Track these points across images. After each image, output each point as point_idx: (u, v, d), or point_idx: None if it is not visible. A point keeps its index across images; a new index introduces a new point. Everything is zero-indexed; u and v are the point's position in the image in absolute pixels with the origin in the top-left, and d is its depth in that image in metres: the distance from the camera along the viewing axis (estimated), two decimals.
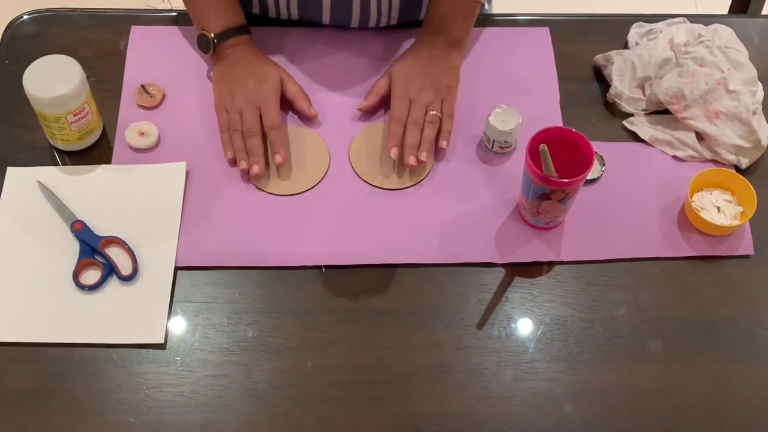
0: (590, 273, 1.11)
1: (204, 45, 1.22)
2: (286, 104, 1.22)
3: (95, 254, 1.10)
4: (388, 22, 1.29)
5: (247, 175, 1.16)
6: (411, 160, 1.16)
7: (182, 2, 1.24)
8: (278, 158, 1.15)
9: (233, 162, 1.17)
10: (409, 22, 1.30)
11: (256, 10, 1.29)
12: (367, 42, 1.29)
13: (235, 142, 1.17)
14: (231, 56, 1.21)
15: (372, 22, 1.27)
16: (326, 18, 1.26)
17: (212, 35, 1.20)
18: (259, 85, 1.19)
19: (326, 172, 1.17)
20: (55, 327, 1.05)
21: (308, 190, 1.16)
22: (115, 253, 1.10)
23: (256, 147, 1.16)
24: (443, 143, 1.18)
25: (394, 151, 1.16)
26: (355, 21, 1.26)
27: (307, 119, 1.21)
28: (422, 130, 1.17)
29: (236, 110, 1.18)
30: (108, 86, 1.23)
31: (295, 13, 1.27)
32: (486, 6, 1.39)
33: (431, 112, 1.18)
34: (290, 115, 1.22)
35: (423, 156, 1.16)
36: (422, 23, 1.26)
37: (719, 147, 1.18)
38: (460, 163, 1.19)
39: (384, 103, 1.22)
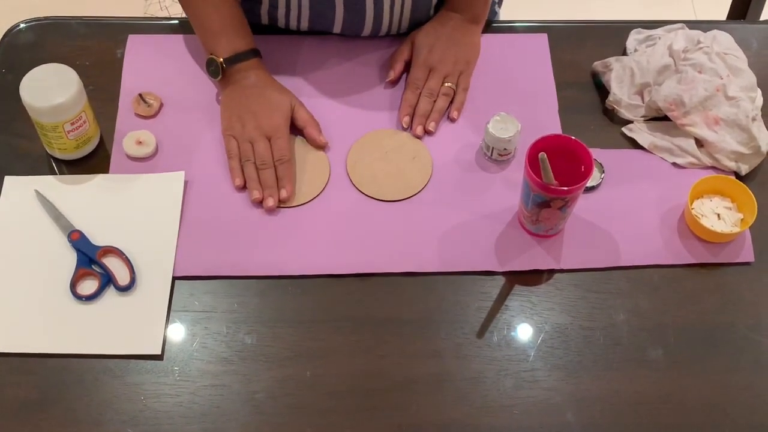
0: (590, 281, 1.10)
1: (213, 70, 1.21)
2: (296, 131, 1.21)
3: (93, 264, 1.09)
4: (398, 30, 1.29)
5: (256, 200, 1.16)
6: (418, 130, 1.19)
7: (189, 24, 1.23)
8: (284, 193, 1.14)
9: (242, 189, 1.16)
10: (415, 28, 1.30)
11: (264, 20, 1.29)
12: (366, 50, 1.28)
13: (248, 171, 1.16)
14: (241, 81, 1.20)
15: (383, 32, 1.27)
16: (337, 28, 1.26)
17: (221, 60, 1.19)
18: (270, 114, 1.18)
19: (326, 184, 1.17)
20: (53, 337, 1.04)
21: (308, 202, 1.15)
22: (112, 263, 1.09)
23: (270, 180, 1.15)
24: (454, 113, 1.22)
25: (405, 120, 1.20)
26: (366, 31, 1.26)
27: (317, 145, 1.20)
28: (435, 101, 1.22)
29: (247, 140, 1.17)
30: (105, 95, 1.23)
31: (305, 25, 1.27)
32: (496, 9, 1.39)
33: (447, 84, 1.22)
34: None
35: (431, 126, 1.20)
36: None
37: (719, 153, 1.17)
38: (460, 171, 1.18)
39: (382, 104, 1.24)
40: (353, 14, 1.22)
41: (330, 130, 1.21)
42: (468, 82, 1.24)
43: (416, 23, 1.29)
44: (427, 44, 1.24)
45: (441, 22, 1.26)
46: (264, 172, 1.15)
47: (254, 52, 1.22)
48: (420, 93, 1.22)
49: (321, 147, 1.19)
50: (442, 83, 1.22)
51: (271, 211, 1.14)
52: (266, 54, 1.26)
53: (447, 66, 1.23)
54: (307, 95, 1.24)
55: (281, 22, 1.28)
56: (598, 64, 1.26)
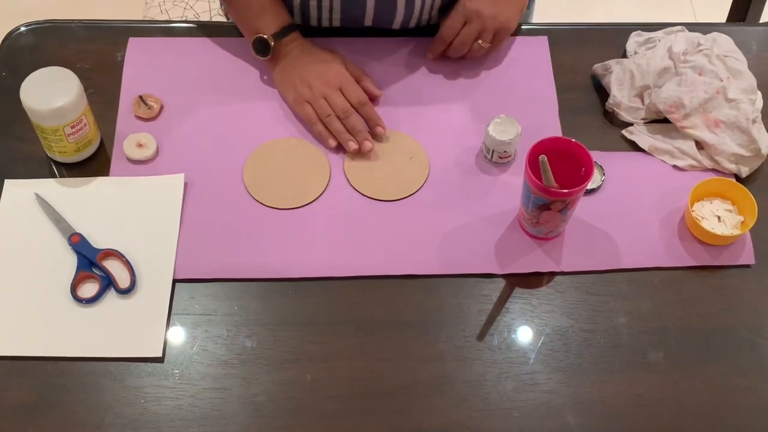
0: (591, 283, 1.10)
1: (262, 48, 1.22)
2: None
3: (93, 267, 1.09)
4: (429, 20, 1.29)
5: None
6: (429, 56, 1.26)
7: (188, 27, 1.24)
8: (380, 130, 1.19)
9: (338, 149, 1.19)
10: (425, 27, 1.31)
11: (297, 19, 1.29)
12: (365, 52, 1.28)
13: (334, 126, 1.18)
14: (291, 52, 1.23)
15: (413, 21, 1.28)
16: (369, 19, 1.27)
17: (268, 36, 1.21)
18: (330, 67, 1.21)
19: (326, 186, 1.17)
20: (53, 340, 1.04)
21: (308, 204, 1.15)
22: (113, 266, 1.09)
23: (358, 124, 1.18)
24: (481, 50, 1.24)
25: (430, 56, 1.26)
26: (398, 21, 1.27)
27: (372, 98, 1.22)
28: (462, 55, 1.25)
29: (320, 97, 1.19)
30: (106, 98, 1.23)
31: (337, 18, 1.28)
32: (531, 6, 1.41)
33: (479, 42, 1.23)
34: (291, 128, 1.22)
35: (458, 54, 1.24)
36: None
37: (719, 156, 1.17)
38: (460, 174, 1.18)
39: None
40: (385, 3, 1.23)
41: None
42: (503, 42, 1.25)
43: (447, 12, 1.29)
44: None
45: None
46: (349, 119, 1.18)
47: (296, 26, 1.24)
48: (450, 43, 1.23)
49: (375, 98, 1.22)
50: (475, 39, 1.22)
51: (370, 152, 1.18)
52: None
53: (484, 20, 1.21)
54: None
55: (313, 20, 1.29)
56: (598, 67, 1.26)
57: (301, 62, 1.22)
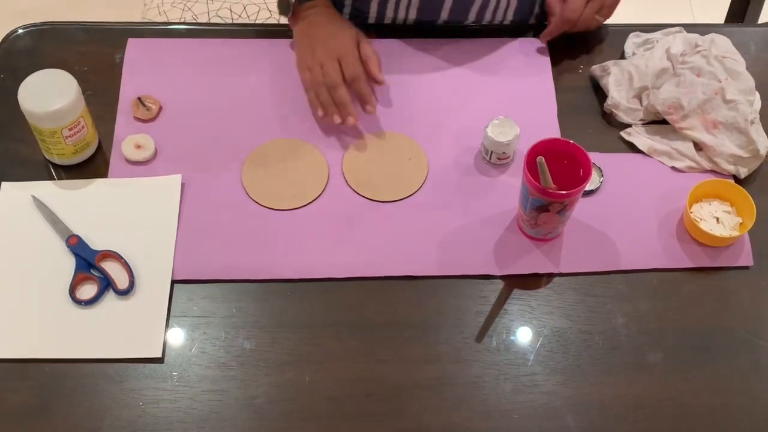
0: (589, 284, 1.10)
1: (284, 7, 1.24)
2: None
3: (91, 269, 1.09)
4: (504, 17, 1.31)
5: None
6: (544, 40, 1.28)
7: (187, 29, 1.26)
8: (369, 108, 1.19)
9: (325, 119, 1.19)
10: (497, 26, 1.33)
11: (372, 19, 1.31)
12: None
13: (322, 97, 1.18)
14: (310, 16, 1.24)
15: (487, 17, 1.29)
16: (445, 14, 1.28)
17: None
18: (335, 35, 1.21)
19: (325, 187, 1.17)
20: (52, 342, 1.04)
21: (306, 205, 1.15)
22: (111, 268, 1.09)
23: (343, 97, 1.17)
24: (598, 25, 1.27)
25: (545, 39, 1.28)
26: (472, 14, 1.28)
27: (373, 82, 1.21)
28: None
29: (317, 64, 1.19)
30: (104, 100, 1.23)
31: (413, 14, 1.29)
32: None
33: (598, 17, 1.26)
34: (289, 129, 1.22)
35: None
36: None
37: (718, 157, 1.17)
38: (458, 175, 1.18)
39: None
40: None
41: (326, 132, 1.21)
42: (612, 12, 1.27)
43: (521, 15, 1.32)
44: None
45: None
46: (336, 91, 1.17)
47: None
48: (573, 24, 1.25)
49: (378, 83, 1.21)
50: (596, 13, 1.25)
51: (353, 127, 1.18)
52: (262, 56, 1.27)
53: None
54: (302, 97, 1.24)
55: (389, 16, 1.30)
56: (596, 68, 1.26)
57: (315, 26, 1.22)
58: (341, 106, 1.18)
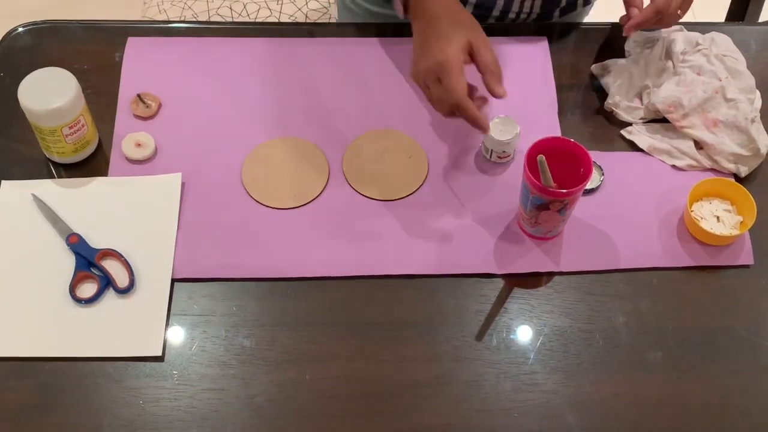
0: (589, 283, 1.10)
1: (397, 5, 1.13)
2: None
3: (91, 267, 1.09)
4: (531, 9, 1.30)
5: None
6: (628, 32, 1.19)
7: (187, 27, 1.24)
8: (484, 129, 1.08)
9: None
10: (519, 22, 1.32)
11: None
12: (363, 52, 1.28)
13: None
14: (424, 13, 1.11)
15: (515, 8, 1.28)
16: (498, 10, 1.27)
17: None
18: (440, 50, 1.06)
19: (325, 186, 1.17)
20: (52, 341, 1.04)
21: (306, 204, 1.15)
22: (111, 266, 1.09)
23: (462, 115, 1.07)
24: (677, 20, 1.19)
25: (628, 32, 1.18)
26: (497, 8, 1.27)
27: (494, 96, 1.09)
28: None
29: (422, 85, 1.10)
30: (104, 98, 1.23)
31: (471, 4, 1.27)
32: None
33: (678, 11, 1.18)
34: (290, 127, 1.22)
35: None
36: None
37: (718, 156, 1.17)
38: (459, 173, 1.18)
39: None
40: None
41: (326, 130, 1.21)
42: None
43: (547, 8, 1.30)
44: None
45: None
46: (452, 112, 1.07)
47: None
48: (663, 14, 1.16)
49: (499, 97, 1.08)
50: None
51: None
52: (264, 54, 1.27)
53: None
54: (302, 95, 1.24)
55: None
56: (596, 67, 1.26)
57: (424, 30, 1.09)
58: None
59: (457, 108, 1.05)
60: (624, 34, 1.21)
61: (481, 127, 1.07)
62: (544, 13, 1.35)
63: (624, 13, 1.20)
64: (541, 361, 1.05)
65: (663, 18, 1.18)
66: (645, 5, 1.18)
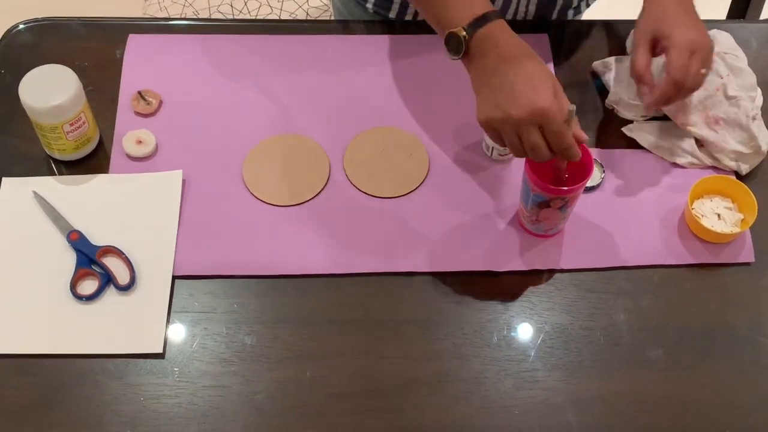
0: (590, 281, 1.10)
1: (454, 48, 1.01)
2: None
3: (92, 264, 1.09)
4: (525, 14, 1.29)
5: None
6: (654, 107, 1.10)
7: (188, 24, 1.24)
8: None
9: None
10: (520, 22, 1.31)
11: (393, 14, 1.28)
12: (363, 49, 1.28)
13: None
14: (490, 51, 0.99)
15: (511, 11, 1.27)
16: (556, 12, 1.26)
17: (462, 28, 0.99)
18: (534, 89, 0.95)
19: (326, 183, 1.17)
20: (53, 338, 1.04)
21: (307, 201, 1.15)
22: (112, 263, 1.09)
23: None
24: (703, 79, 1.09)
25: (655, 106, 1.10)
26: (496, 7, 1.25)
27: (579, 142, 0.99)
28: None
29: (511, 131, 0.96)
30: (105, 95, 1.23)
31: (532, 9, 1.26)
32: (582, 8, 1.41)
33: (702, 71, 1.08)
34: (291, 124, 1.22)
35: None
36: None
37: (719, 153, 1.17)
38: (459, 171, 1.18)
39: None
40: None
41: (327, 128, 1.21)
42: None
43: (543, 11, 1.30)
44: (676, 23, 1.06)
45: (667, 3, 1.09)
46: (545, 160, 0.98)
47: (497, 14, 1.01)
48: (683, 84, 1.06)
49: (583, 143, 1.00)
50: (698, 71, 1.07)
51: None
52: (263, 52, 1.27)
53: (705, 46, 1.05)
54: (303, 92, 1.24)
55: (410, 14, 1.27)
56: (597, 64, 1.26)
57: (502, 69, 0.97)
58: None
59: (567, 150, 0.96)
60: (644, 114, 1.20)
61: (578, 158, 0.98)
62: (540, 16, 1.35)
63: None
64: (542, 358, 1.05)
65: (684, 86, 1.07)
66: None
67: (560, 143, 0.96)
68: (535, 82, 0.95)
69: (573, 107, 0.97)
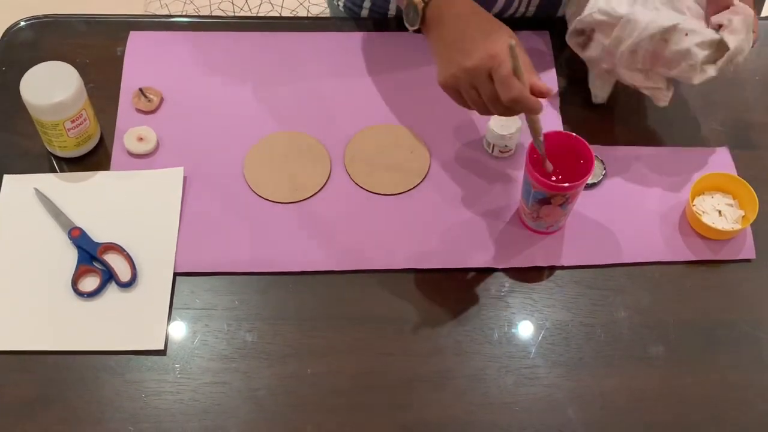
0: (591, 277, 1.10)
1: (412, 17, 1.03)
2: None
3: (94, 261, 1.09)
4: (525, 12, 1.29)
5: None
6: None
7: (189, 22, 1.23)
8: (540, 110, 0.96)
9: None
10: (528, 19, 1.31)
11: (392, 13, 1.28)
12: (363, 46, 1.28)
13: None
14: (444, 15, 1.00)
15: (512, 8, 1.28)
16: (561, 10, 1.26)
17: (421, 2, 1.01)
18: (489, 45, 0.93)
19: (327, 180, 1.17)
20: (54, 335, 1.04)
21: (308, 198, 1.15)
22: (113, 260, 1.09)
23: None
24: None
25: None
26: (498, 7, 1.26)
27: (542, 96, 0.97)
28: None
29: (468, 86, 0.95)
30: (106, 92, 1.23)
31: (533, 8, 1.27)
32: None
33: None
34: (292, 121, 1.22)
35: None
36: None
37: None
38: (460, 168, 1.18)
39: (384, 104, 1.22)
40: None
41: (328, 125, 1.21)
42: None
43: (546, 9, 1.30)
44: None
45: None
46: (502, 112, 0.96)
47: None
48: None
49: (546, 96, 0.96)
50: None
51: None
52: (264, 49, 1.27)
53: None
54: (304, 89, 1.24)
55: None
56: (571, 39, 1.20)
57: (454, 29, 0.97)
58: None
59: (517, 101, 0.93)
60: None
61: (539, 110, 0.95)
62: (541, 14, 1.35)
63: None
64: (543, 355, 1.05)
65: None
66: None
67: (506, 92, 0.92)
68: (488, 31, 0.95)
69: (513, 42, 0.90)
